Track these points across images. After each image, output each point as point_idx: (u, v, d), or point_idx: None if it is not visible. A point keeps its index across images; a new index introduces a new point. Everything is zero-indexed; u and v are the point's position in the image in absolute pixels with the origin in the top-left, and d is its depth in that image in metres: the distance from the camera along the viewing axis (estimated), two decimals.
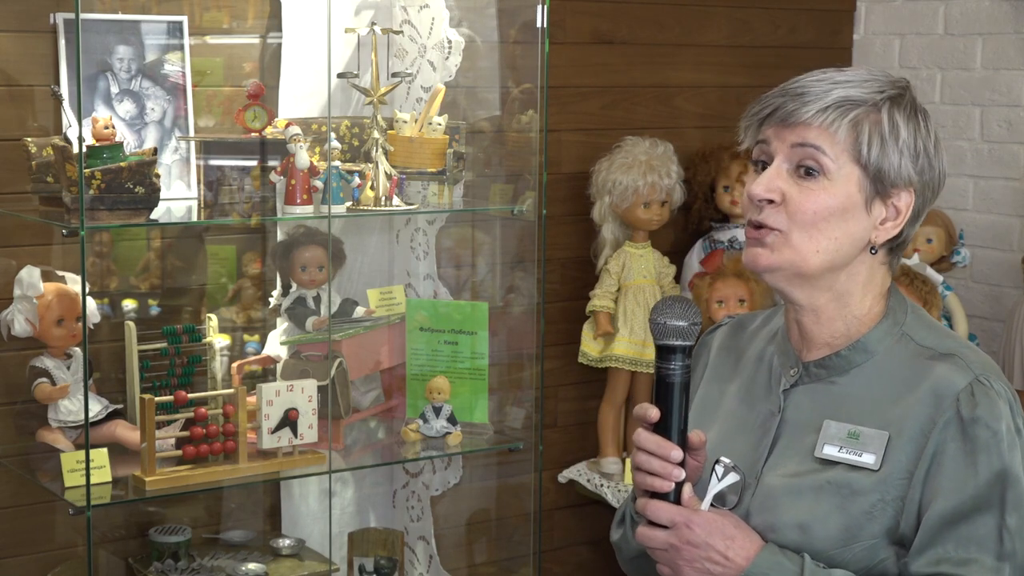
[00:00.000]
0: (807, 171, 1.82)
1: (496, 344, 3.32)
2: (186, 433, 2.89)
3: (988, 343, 3.75)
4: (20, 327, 2.89)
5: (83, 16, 2.80)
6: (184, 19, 3.09)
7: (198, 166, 2.99)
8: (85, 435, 2.75)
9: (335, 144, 3.08)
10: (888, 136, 1.82)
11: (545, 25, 3.10)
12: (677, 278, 3.69)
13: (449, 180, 3.14)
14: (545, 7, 3.09)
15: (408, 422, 3.27)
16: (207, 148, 2.97)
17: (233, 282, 3.27)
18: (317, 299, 3.16)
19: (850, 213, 1.82)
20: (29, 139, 2.90)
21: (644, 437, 1.81)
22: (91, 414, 2.83)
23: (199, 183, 2.98)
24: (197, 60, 3.13)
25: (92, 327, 2.97)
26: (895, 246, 1.89)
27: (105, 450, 2.83)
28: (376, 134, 3.05)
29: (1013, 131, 3.81)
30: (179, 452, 2.87)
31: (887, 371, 1.85)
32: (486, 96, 3.40)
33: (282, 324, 3.21)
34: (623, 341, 3.56)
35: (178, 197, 3.08)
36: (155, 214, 2.81)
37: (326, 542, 3.26)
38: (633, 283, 3.57)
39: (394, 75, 3.10)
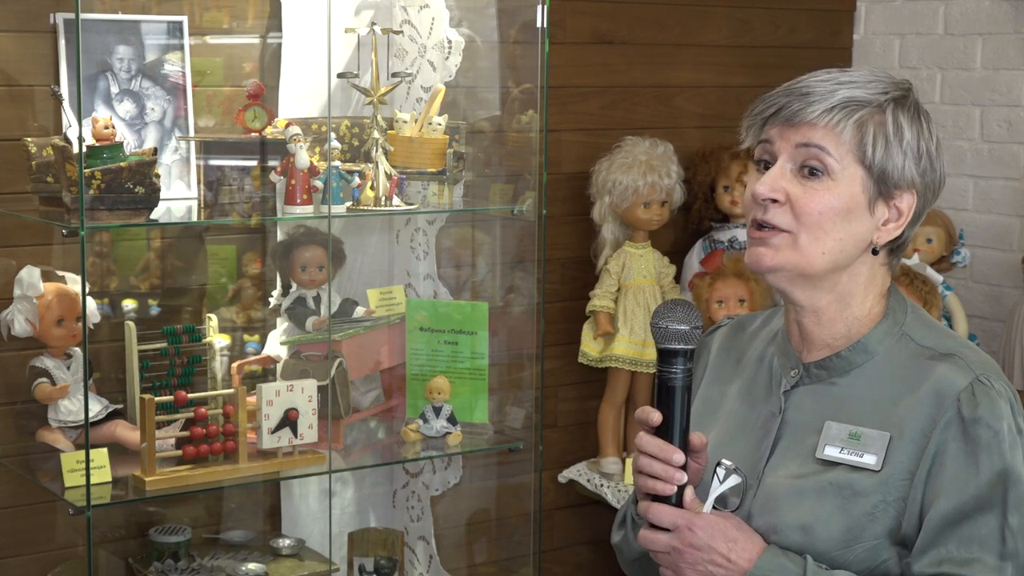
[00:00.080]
0: (811, 171, 1.81)
1: (496, 344, 3.32)
2: (186, 433, 2.89)
3: (988, 343, 3.75)
4: (20, 327, 2.89)
5: (83, 16, 2.80)
6: (184, 19, 3.09)
7: (198, 166, 2.99)
8: (85, 435, 2.75)
9: (335, 144, 3.08)
10: (892, 137, 1.82)
11: (545, 25, 3.10)
12: (677, 278, 3.69)
13: (449, 180, 3.14)
14: (545, 7, 3.09)
15: (408, 422, 3.27)
16: (207, 148, 2.97)
17: (233, 282, 3.27)
18: (317, 299, 3.16)
19: (853, 214, 1.82)
20: (29, 139, 2.90)
21: (646, 440, 1.81)
22: (91, 414, 2.83)
23: (199, 183, 2.98)
24: (197, 60, 3.13)
25: (92, 327, 2.97)
26: (896, 247, 1.89)
27: (105, 450, 2.83)
28: (376, 134, 3.05)
29: (1013, 131, 3.81)
30: (179, 452, 2.87)
31: (888, 371, 1.85)
32: (486, 96, 3.40)
33: (282, 324, 3.21)
34: (623, 341, 3.56)
35: (178, 197, 3.08)
36: (155, 214, 2.81)
37: (326, 542, 3.26)
38: (633, 283, 3.57)
39: (394, 75, 3.10)
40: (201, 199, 2.98)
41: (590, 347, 3.62)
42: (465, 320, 3.27)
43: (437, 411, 3.21)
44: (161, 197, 2.81)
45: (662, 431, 1.80)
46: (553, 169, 3.61)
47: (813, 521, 1.80)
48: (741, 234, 3.68)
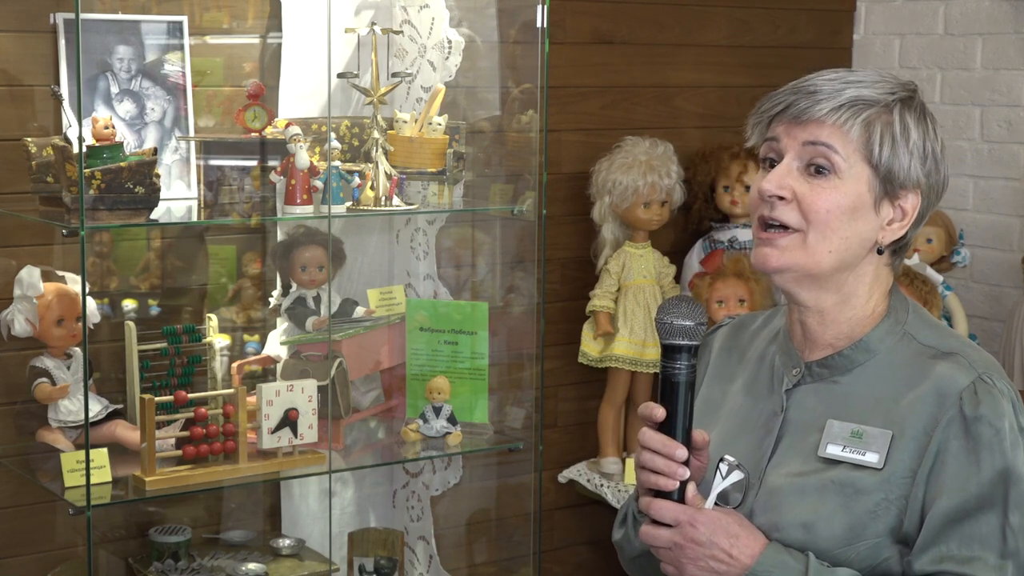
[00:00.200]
0: (817, 169, 1.82)
1: (496, 344, 3.32)
2: (186, 433, 2.88)
3: (988, 343, 3.75)
4: (20, 327, 2.89)
5: (83, 16, 2.80)
6: (184, 19, 3.09)
7: (198, 166, 2.99)
8: (85, 435, 2.75)
9: (335, 144, 3.08)
10: (899, 137, 1.82)
11: (545, 25, 3.10)
12: (677, 278, 3.69)
13: (449, 180, 3.14)
14: (545, 7, 3.09)
15: (408, 422, 3.27)
16: (207, 148, 2.97)
17: (233, 282, 3.27)
18: (317, 299, 3.16)
19: (859, 213, 1.82)
20: (29, 139, 2.90)
21: (649, 436, 1.81)
22: (91, 414, 2.83)
23: (199, 183, 2.98)
24: (197, 60, 3.13)
25: (92, 327, 2.97)
26: (899, 247, 1.90)
27: (105, 450, 2.83)
28: (376, 134, 3.05)
29: (1013, 131, 3.81)
30: (179, 452, 2.87)
31: (889, 370, 1.85)
32: (486, 96, 3.40)
33: (282, 324, 3.21)
34: (623, 341, 3.56)
35: (178, 197, 3.08)
36: (155, 214, 2.81)
37: (326, 542, 3.26)
38: (633, 283, 3.57)
39: (394, 75, 3.10)
40: (201, 199, 2.98)
41: (590, 347, 3.62)
42: (465, 320, 3.27)
43: (437, 411, 3.21)
44: (161, 197, 2.81)
45: (665, 426, 1.80)
46: (553, 169, 3.61)
47: (815, 519, 1.80)
48: (741, 234, 3.68)
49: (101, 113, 2.92)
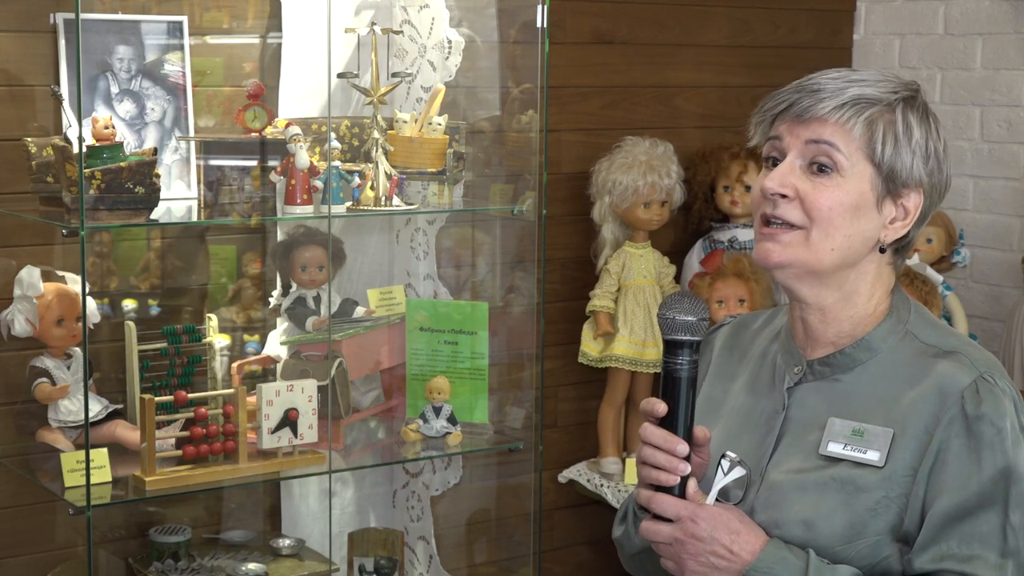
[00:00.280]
0: (820, 167, 1.82)
1: (496, 344, 3.32)
2: (186, 433, 2.88)
3: (988, 343, 3.75)
4: (20, 327, 2.89)
5: (83, 16, 2.80)
6: (184, 19, 3.09)
7: (198, 166, 2.99)
8: (85, 435, 2.75)
9: (335, 144, 3.08)
10: (902, 136, 1.82)
11: (545, 25, 3.10)
12: (677, 278, 3.69)
13: (449, 180, 3.14)
14: (545, 7, 3.09)
15: (408, 422, 3.27)
16: (207, 148, 2.97)
17: (233, 282, 3.27)
18: (317, 299, 3.16)
19: (862, 211, 1.83)
20: (29, 139, 2.90)
21: (651, 431, 1.81)
22: (91, 414, 2.83)
23: (199, 183, 2.98)
24: (197, 60, 3.13)
25: (92, 327, 2.97)
26: (901, 246, 1.90)
27: (105, 450, 2.83)
28: (376, 134, 3.05)
29: (1013, 131, 3.81)
30: (179, 452, 2.87)
31: (891, 369, 1.85)
32: (486, 96, 3.40)
33: (282, 324, 3.21)
34: (623, 341, 3.56)
35: (178, 197, 3.08)
36: (155, 214, 2.81)
37: (326, 542, 3.26)
38: (633, 283, 3.57)
39: (394, 75, 3.10)
40: (201, 199, 2.98)
41: (590, 347, 3.62)
42: (465, 320, 3.27)
43: (437, 411, 3.21)
44: (161, 197, 2.81)
45: (667, 422, 1.81)
46: (553, 169, 3.61)
47: (815, 516, 1.80)
48: (741, 234, 3.68)
49: (101, 113, 2.92)
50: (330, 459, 3.03)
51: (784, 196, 1.83)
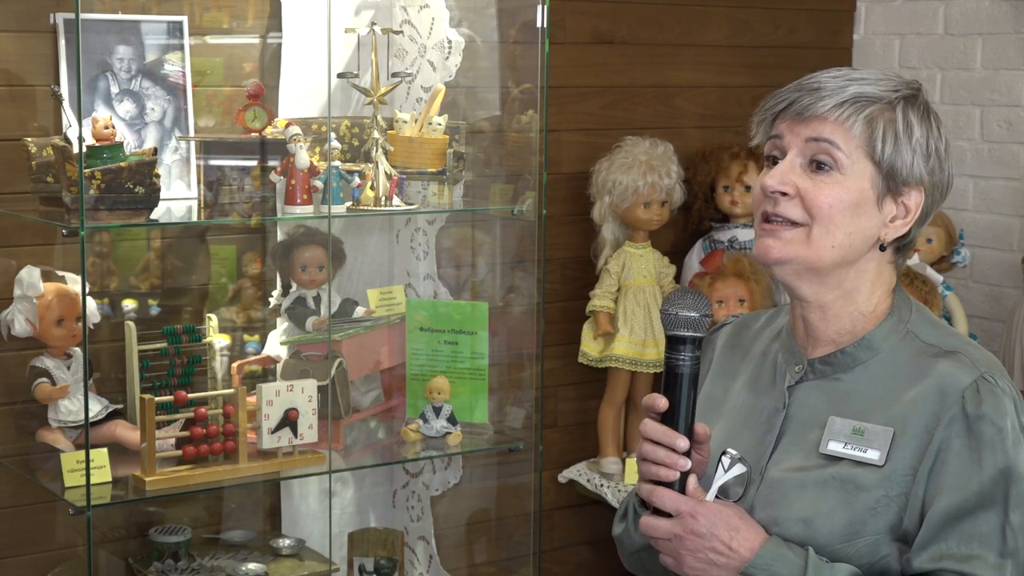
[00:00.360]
0: (820, 165, 1.82)
1: (496, 344, 3.32)
2: (186, 433, 2.88)
3: (988, 343, 3.75)
4: (20, 327, 2.89)
5: (83, 16, 2.80)
6: (184, 19, 3.09)
7: (198, 166, 2.99)
8: (85, 435, 2.75)
9: (335, 144, 3.08)
10: (902, 134, 1.83)
11: (545, 25, 3.10)
12: (677, 278, 3.69)
13: (449, 180, 3.14)
14: (545, 7, 3.09)
15: (408, 422, 3.27)
16: (207, 148, 2.97)
17: (233, 282, 3.27)
18: (317, 299, 3.16)
19: (862, 208, 1.83)
20: (29, 139, 2.90)
21: (651, 427, 1.81)
22: (91, 414, 2.83)
23: (199, 183, 2.98)
24: (197, 60, 3.13)
25: (92, 327, 2.97)
26: (902, 245, 1.90)
27: (105, 450, 2.83)
28: (376, 134, 3.05)
29: (1013, 131, 3.81)
30: (179, 452, 2.87)
31: (892, 368, 1.85)
32: (486, 96, 3.40)
33: (282, 324, 3.21)
34: (623, 341, 3.56)
35: (178, 197, 3.08)
36: (155, 214, 2.81)
37: (326, 542, 3.26)
38: (633, 283, 3.57)
39: (394, 75, 3.10)
40: (201, 199, 2.98)
41: (590, 347, 3.62)
42: (465, 320, 3.27)
43: (437, 411, 3.21)
44: (161, 197, 2.81)
45: (667, 417, 1.81)
46: (553, 169, 3.61)
47: (814, 514, 1.80)
48: (741, 234, 3.68)
49: (101, 113, 2.92)
50: (330, 459, 3.03)
51: (784, 194, 1.83)
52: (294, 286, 3.17)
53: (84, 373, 2.81)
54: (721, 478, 1.83)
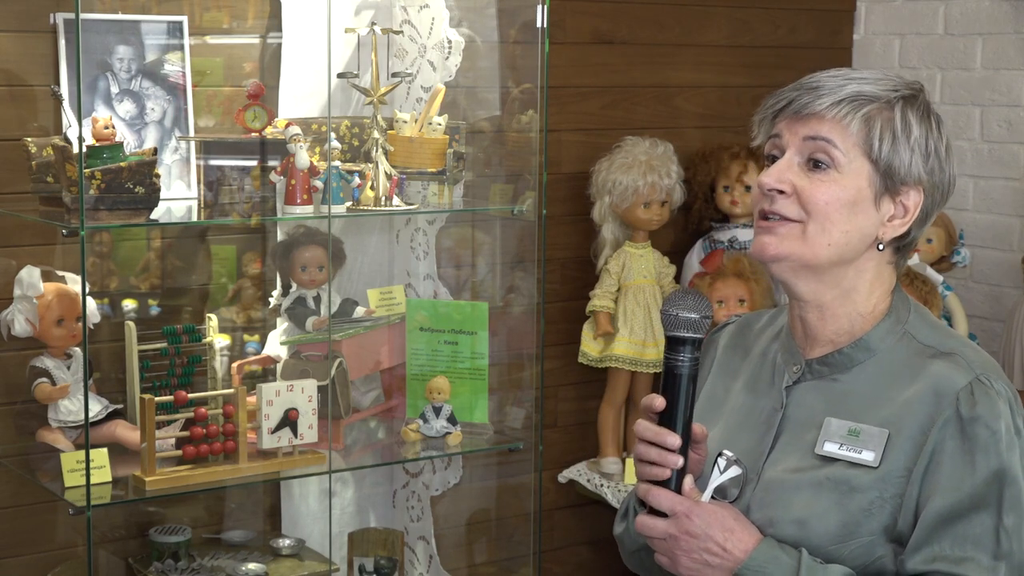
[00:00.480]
0: (816, 164, 1.83)
1: (496, 344, 3.32)
2: (186, 433, 2.89)
3: (988, 343, 3.75)
4: (20, 327, 2.89)
5: (83, 16, 2.80)
6: (184, 19, 3.09)
7: (198, 166, 2.99)
8: (85, 435, 2.75)
9: (335, 144, 3.08)
10: (900, 133, 1.83)
11: (545, 25, 3.10)
12: (677, 278, 3.69)
13: (449, 180, 3.14)
14: (545, 7, 3.09)
15: (408, 422, 3.27)
16: (207, 148, 2.97)
17: (233, 282, 3.27)
18: (317, 299, 3.16)
19: (859, 207, 1.83)
20: (29, 139, 2.90)
21: (644, 427, 1.82)
22: (91, 414, 2.83)
23: (199, 183, 2.98)
24: (197, 60, 3.13)
25: (92, 327, 2.97)
26: (902, 245, 1.90)
27: (105, 450, 2.83)
28: (376, 134, 3.05)
29: (1013, 131, 3.81)
30: (179, 452, 2.87)
31: (888, 369, 1.85)
32: (486, 96, 3.40)
33: (282, 324, 3.21)
34: (623, 341, 3.56)
35: (178, 197, 3.08)
36: (155, 214, 2.81)
37: (326, 542, 3.26)
38: (633, 283, 3.57)
39: (394, 75, 3.10)
40: (201, 199, 2.98)
41: (590, 347, 3.62)
42: (465, 320, 3.27)
43: (437, 411, 3.21)
44: (161, 197, 2.81)
45: (665, 417, 1.81)
46: (553, 169, 3.61)
47: (809, 515, 1.80)
48: (741, 234, 3.68)
49: (101, 113, 2.92)
50: (330, 459, 3.03)
51: (781, 192, 1.83)
52: (294, 286, 3.17)
53: (84, 373, 2.81)
54: (716, 479, 1.84)
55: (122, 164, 2.72)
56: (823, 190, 1.82)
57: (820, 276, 1.86)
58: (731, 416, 1.98)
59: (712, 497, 1.83)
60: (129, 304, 3.13)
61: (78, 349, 2.94)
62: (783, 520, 1.81)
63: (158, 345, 3.04)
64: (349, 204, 3.05)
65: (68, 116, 2.82)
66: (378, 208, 3.05)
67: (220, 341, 3.14)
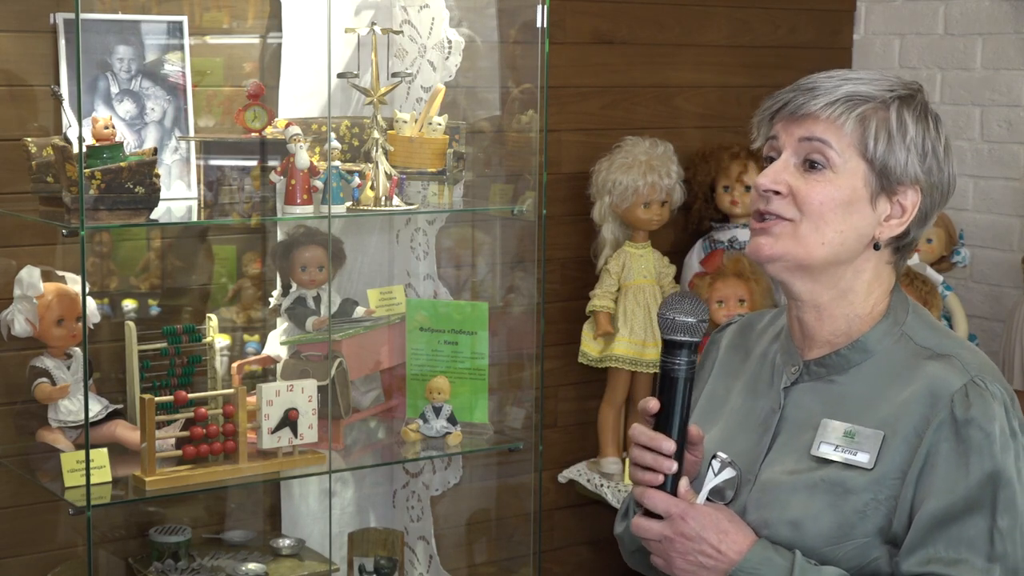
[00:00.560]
0: (812, 164, 1.83)
1: (496, 344, 3.33)
2: (186, 433, 2.89)
3: (988, 343, 3.75)
4: (20, 327, 2.89)
5: (83, 16, 2.80)
6: (184, 19, 3.09)
7: (198, 166, 3.00)
8: (85, 435, 2.75)
9: (335, 144, 3.08)
10: (896, 133, 1.83)
11: (545, 25, 3.10)
12: (677, 278, 3.69)
13: (449, 180, 3.14)
14: (545, 7, 3.09)
15: (408, 422, 3.27)
16: (207, 148, 2.97)
17: (233, 282, 3.27)
18: (317, 299, 3.16)
19: (855, 207, 1.83)
20: (29, 139, 2.90)
21: (638, 431, 1.83)
22: (91, 414, 2.83)
23: (199, 183, 2.99)
24: (197, 60, 3.13)
25: (92, 327, 2.97)
26: (902, 246, 1.90)
27: (105, 450, 2.83)
28: (376, 134, 3.05)
29: (1013, 131, 3.81)
30: (179, 452, 2.87)
31: (885, 371, 1.85)
32: (486, 96, 3.40)
33: (282, 324, 3.21)
34: (623, 341, 3.56)
35: (178, 197, 3.08)
36: (155, 214, 2.81)
37: (326, 542, 3.26)
38: (633, 283, 3.57)
39: (394, 75, 3.10)
40: (201, 199, 2.98)
41: (590, 347, 3.62)
42: (465, 320, 3.27)
43: (437, 411, 3.22)
44: (161, 197, 2.81)
45: (661, 421, 1.82)
46: (553, 169, 3.61)
47: (803, 517, 1.80)
48: (741, 234, 3.68)
49: (101, 113, 2.92)
50: (330, 459, 3.03)
51: (777, 192, 1.84)
52: (294, 286, 3.18)
53: (84, 373, 2.81)
54: (711, 481, 1.84)
55: (122, 164, 2.73)
56: (818, 190, 1.82)
57: (816, 276, 1.86)
58: (730, 417, 1.98)
59: (708, 499, 1.84)
60: (129, 304, 3.13)
61: (78, 349, 2.94)
62: (778, 521, 1.82)
63: (158, 345, 3.04)
64: (349, 204, 3.05)
65: (68, 116, 2.82)
66: (378, 208, 3.05)
67: (220, 341, 3.14)
